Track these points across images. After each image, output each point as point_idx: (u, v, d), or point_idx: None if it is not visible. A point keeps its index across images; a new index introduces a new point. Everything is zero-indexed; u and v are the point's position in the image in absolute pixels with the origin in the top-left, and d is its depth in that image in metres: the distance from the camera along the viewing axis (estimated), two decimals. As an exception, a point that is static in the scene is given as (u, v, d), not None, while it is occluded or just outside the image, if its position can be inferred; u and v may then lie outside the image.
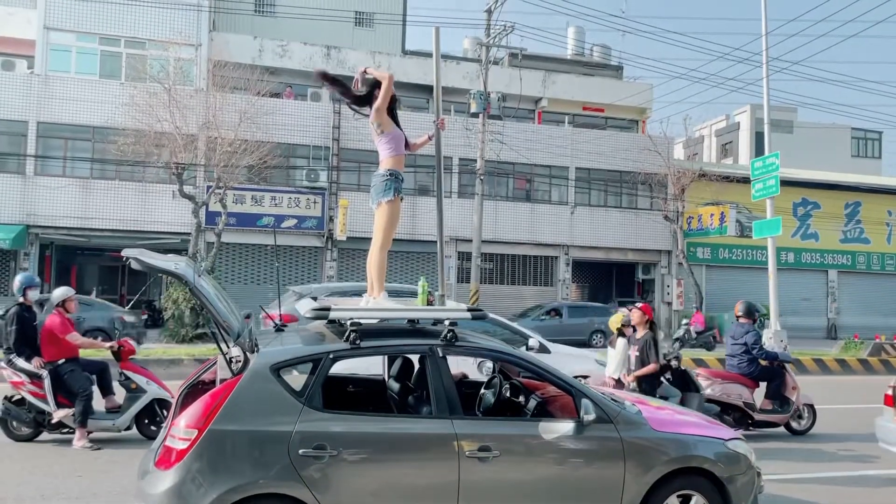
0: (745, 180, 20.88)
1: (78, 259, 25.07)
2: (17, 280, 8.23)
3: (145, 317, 22.97)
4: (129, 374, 8.13)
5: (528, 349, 8.85)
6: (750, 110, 40.31)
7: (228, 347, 4.53)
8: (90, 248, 23.87)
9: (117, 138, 19.54)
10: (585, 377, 9.00)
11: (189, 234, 20.20)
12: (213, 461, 4.04)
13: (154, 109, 18.86)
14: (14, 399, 7.95)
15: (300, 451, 4.12)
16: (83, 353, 8.41)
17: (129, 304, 8.88)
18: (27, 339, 7.98)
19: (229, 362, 4.44)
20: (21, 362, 7.84)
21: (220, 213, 19.81)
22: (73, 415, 7.69)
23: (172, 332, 17.56)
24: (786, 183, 22.86)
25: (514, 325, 10.07)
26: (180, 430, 4.12)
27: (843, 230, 29.50)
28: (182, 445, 4.07)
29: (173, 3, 23.44)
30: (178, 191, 19.34)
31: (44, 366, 7.80)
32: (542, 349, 9.05)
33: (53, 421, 7.75)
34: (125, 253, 4.33)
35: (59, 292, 8.12)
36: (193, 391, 4.91)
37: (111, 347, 8.26)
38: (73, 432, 7.79)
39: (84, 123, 22.10)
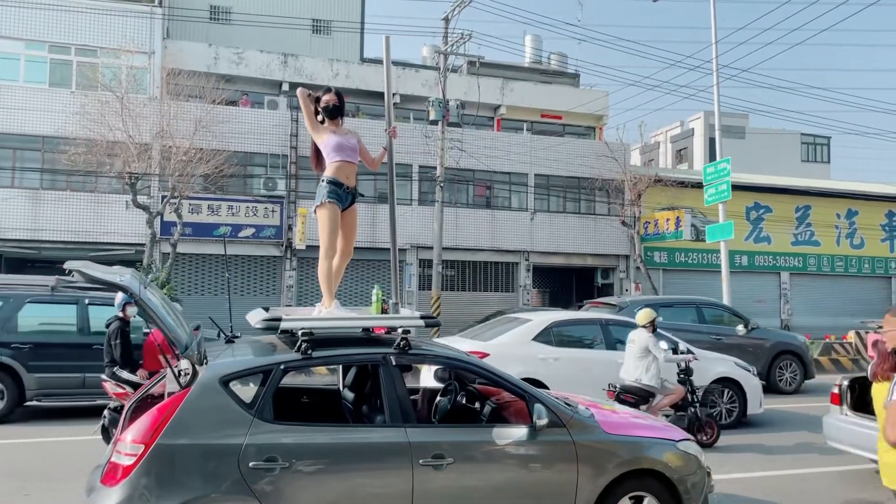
0: (700, 185, 21.31)
1: (28, 272, 24.35)
2: (119, 296, 8.45)
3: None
4: None
5: (675, 353, 9.40)
6: (703, 117, 41.17)
7: (177, 360, 4.46)
8: (41, 260, 23.23)
9: (68, 148, 19.10)
10: (728, 378, 9.68)
11: (144, 244, 19.82)
12: (160, 477, 3.96)
13: (106, 118, 18.49)
14: (117, 409, 8.01)
15: (251, 464, 4.06)
16: None
17: None
18: (128, 352, 8.33)
19: (177, 375, 4.37)
20: (126, 374, 8.06)
21: (176, 223, 19.49)
22: None
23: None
24: (738, 187, 23.39)
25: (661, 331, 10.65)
26: (126, 445, 4.03)
27: (795, 233, 30.24)
28: (128, 461, 3.98)
29: (125, 10, 23.03)
30: (131, 201, 18.98)
31: (148, 377, 7.99)
32: (688, 353, 9.54)
33: None
34: (68, 265, 4.24)
35: None
36: (142, 405, 4.81)
37: None
38: None
39: (33, 133, 21.54)
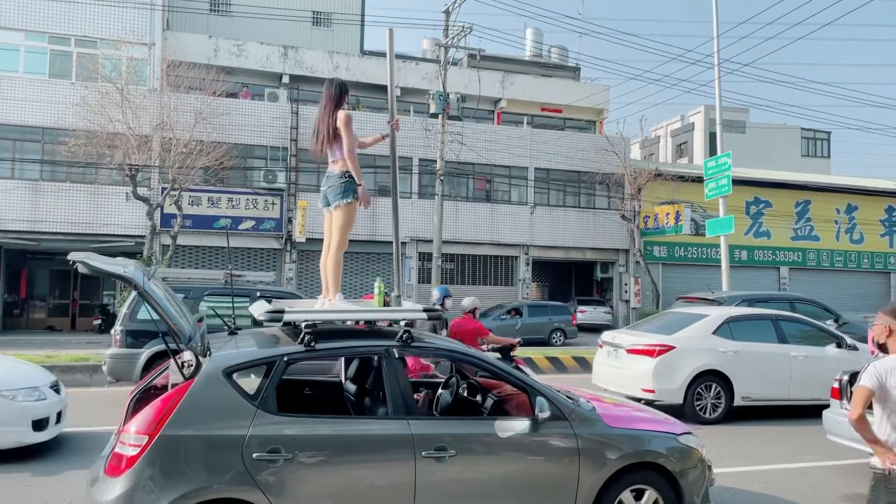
0: (700, 180, 21.30)
1: (28, 263, 24.41)
2: (436, 291, 8.99)
3: (98, 321, 22.48)
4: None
5: (838, 347, 10.16)
6: (704, 111, 41.13)
7: (180, 351, 4.47)
8: (41, 251, 23.25)
9: (68, 139, 19.10)
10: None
11: (144, 236, 19.81)
12: (164, 467, 3.97)
13: (106, 110, 18.47)
14: None
15: (254, 455, 4.07)
16: None
17: None
18: None
19: (181, 366, 4.37)
20: None
21: (176, 216, 19.48)
22: None
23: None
24: (738, 182, 23.38)
25: (825, 325, 11.09)
26: (130, 435, 4.03)
27: (794, 228, 30.27)
28: (132, 452, 3.99)
29: (125, 1, 22.97)
30: (131, 193, 18.97)
31: None
32: (853, 347, 10.19)
33: None
34: (72, 257, 4.23)
35: (468, 301, 8.92)
36: (145, 396, 4.82)
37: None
38: None
39: (33, 124, 21.53)
